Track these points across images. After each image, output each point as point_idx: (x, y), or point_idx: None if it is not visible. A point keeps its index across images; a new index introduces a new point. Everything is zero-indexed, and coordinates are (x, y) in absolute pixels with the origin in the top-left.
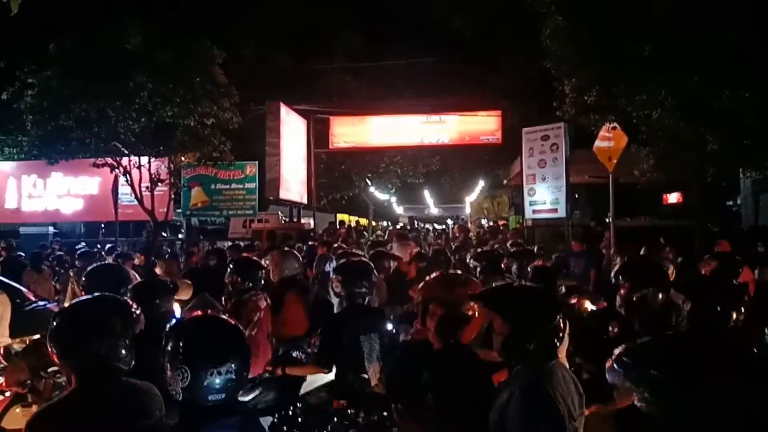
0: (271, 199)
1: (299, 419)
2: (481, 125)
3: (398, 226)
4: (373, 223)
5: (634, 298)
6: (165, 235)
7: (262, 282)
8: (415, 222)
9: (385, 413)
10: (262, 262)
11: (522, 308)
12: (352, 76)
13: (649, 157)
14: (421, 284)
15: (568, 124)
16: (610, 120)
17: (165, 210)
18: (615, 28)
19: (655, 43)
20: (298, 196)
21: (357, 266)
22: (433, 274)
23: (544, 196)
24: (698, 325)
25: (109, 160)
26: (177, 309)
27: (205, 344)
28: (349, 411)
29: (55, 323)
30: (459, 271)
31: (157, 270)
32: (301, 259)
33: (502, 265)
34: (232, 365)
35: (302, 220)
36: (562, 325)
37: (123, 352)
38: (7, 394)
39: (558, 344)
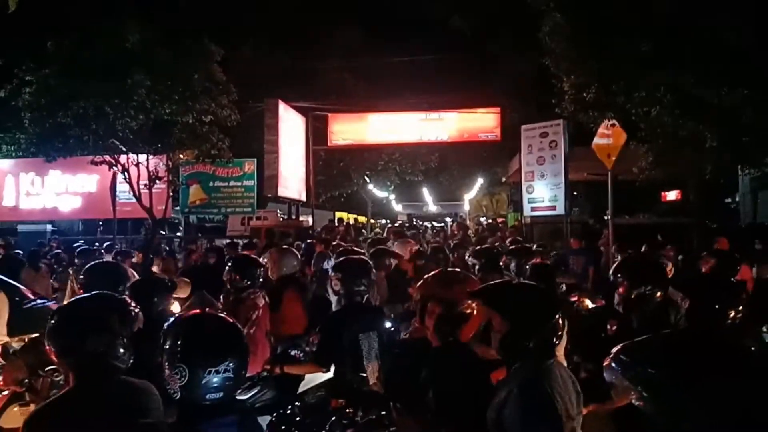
0: (269, 196)
1: (297, 418)
2: (480, 122)
3: (396, 224)
4: (372, 221)
5: (633, 296)
6: (163, 232)
7: (261, 280)
8: (414, 219)
9: (384, 412)
10: (261, 260)
11: (521, 306)
12: (351, 74)
13: (648, 155)
14: (420, 282)
15: (567, 121)
16: (608, 117)
17: (163, 207)
18: (614, 26)
19: (655, 43)
20: (297, 194)
21: (356, 264)
22: (432, 272)
23: (543, 194)
24: (696, 323)
25: (108, 157)
26: (176, 307)
27: (203, 343)
28: (347, 410)
29: (53, 321)
30: (457, 269)
31: (154, 268)
32: (299, 256)
33: (501, 263)
34: (230, 364)
35: (301, 218)
36: (560, 323)
37: (121, 350)
38: (5, 392)
39: (557, 342)
